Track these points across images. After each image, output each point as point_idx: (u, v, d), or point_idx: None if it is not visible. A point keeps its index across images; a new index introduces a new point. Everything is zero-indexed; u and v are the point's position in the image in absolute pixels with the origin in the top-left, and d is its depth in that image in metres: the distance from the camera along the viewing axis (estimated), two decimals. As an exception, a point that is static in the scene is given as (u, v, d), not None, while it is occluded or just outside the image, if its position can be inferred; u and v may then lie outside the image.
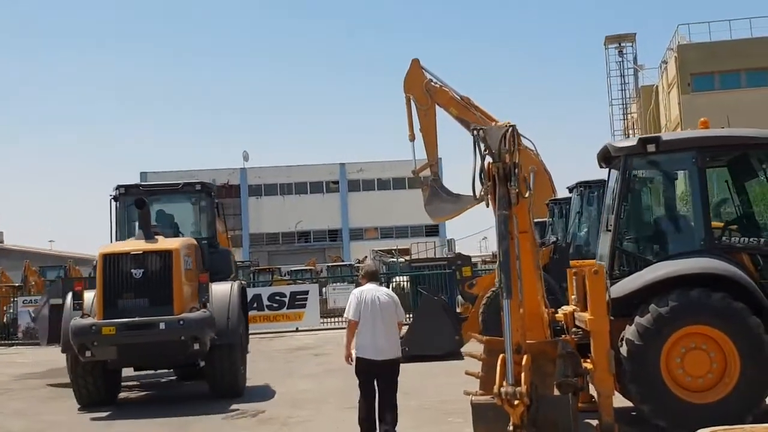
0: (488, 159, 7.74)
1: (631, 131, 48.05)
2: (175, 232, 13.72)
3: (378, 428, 8.54)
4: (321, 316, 26.42)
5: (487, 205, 8.02)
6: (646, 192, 9.47)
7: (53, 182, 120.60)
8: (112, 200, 13.66)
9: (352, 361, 8.60)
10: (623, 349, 8.11)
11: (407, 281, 26.98)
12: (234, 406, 11.37)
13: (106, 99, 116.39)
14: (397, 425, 8.54)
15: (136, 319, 11.27)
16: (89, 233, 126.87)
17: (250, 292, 26.44)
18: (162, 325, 11.27)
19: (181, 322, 11.36)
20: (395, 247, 40.07)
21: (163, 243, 12.19)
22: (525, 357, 7.58)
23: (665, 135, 8.89)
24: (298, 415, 10.50)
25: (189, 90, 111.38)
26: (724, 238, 8.88)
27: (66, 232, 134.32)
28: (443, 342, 15.53)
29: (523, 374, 7.40)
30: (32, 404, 12.72)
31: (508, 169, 7.69)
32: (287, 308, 25.64)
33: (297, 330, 25.29)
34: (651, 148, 8.60)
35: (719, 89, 37.95)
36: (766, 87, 36.97)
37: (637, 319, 8.07)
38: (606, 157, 9.31)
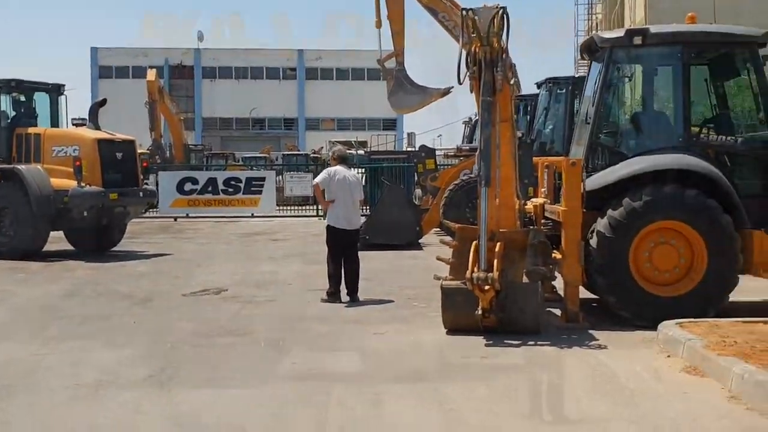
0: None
1: (594, 32, 47.62)
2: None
3: (344, 284, 9.84)
4: (277, 204, 26.29)
5: (471, 91, 7.85)
6: (627, 86, 9.34)
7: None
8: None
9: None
10: (593, 241, 8.15)
11: (364, 173, 26.76)
12: (195, 284, 11.30)
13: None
14: (358, 282, 9.92)
15: (131, 188, 15.03)
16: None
17: (204, 176, 26.11)
18: (141, 194, 15.58)
19: (149, 192, 16.33)
20: (355, 138, 39.67)
21: (124, 135, 15.65)
22: (498, 244, 7.61)
23: (653, 27, 8.69)
24: (263, 294, 10.47)
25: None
26: (701, 136, 8.86)
27: None
28: (405, 232, 15.56)
29: (495, 261, 7.46)
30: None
31: (495, 54, 7.50)
32: (242, 193, 25.36)
33: (252, 216, 25.11)
34: (637, 40, 8.44)
35: (685, -9, 37.44)
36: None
37: (610, 212, 8.09)
38: (590, 48, 9.13)
